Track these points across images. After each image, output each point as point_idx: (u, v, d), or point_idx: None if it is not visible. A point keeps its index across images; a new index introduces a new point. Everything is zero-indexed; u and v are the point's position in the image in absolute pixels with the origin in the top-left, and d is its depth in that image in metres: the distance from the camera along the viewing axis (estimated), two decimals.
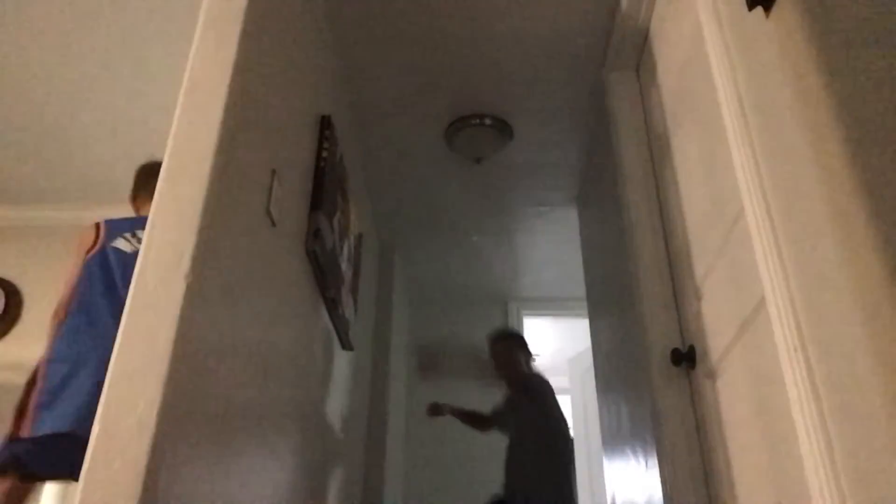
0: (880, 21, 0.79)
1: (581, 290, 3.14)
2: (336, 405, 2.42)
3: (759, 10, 1.06)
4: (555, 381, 5.68)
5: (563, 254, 3.67)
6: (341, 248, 2.28)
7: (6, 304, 3.09)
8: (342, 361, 2.50)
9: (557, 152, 2.90)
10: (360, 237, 2.70)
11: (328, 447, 2.27)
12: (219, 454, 1.22)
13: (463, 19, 2.22)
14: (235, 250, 1.33)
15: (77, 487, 0.97)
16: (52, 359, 1.59)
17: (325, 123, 2.10)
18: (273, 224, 1.56)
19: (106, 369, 1.05)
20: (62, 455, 1.46)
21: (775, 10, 1.02)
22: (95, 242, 1.75)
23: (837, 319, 0.86)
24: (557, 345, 5.46)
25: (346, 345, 2.47)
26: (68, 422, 1.47)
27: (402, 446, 3.78)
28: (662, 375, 1.74)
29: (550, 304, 4.34)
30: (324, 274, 2.00)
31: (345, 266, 2.35)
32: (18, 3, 2.21)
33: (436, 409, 3.30)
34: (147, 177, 1.81)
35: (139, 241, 1.64)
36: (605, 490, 2.97)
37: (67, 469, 1.43)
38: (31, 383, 1.58)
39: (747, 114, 1.15)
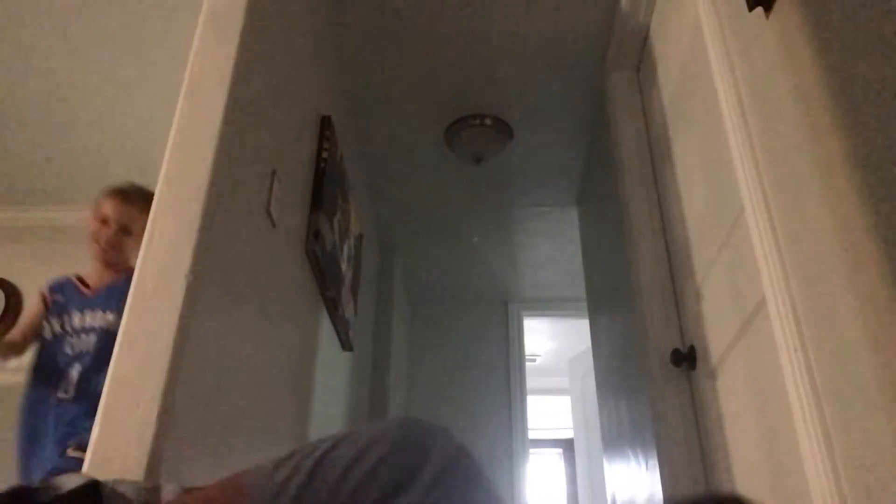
0: (880, 21, 0.79)
1: (581, 290, 3.13)
2: (336, 405, 2.42)
3: (759, 10, 1.06)
4: (555, 382, 5.71)
5: (563, 254, 3.67)
6: (341, 248, 2.28)
7: (6, 304, 3.08)
8: (342, 361, 2.50)
9: (557, 152, 2.90)
10: (360, 237, 2.70)
11: None
12: (219, 455, 1.22)
13: (463, 20, 2.22)
14: (235, 250, 1.33)
15: None
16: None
17: (325, 123, 2.10)
18: (273, 224, 1.56)
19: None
20: None
21: (775, 10, 1.02)
22: None
23: (837, 319, 0.86)
24: (557, 345, 5.46)
25: (346, 345, 2.47)
26: None
27: None
28: (662, 376, 1.74)
29: (550, 305, 4.34)
30: (324, 274, 2.00)
31: (345, 266, 2.35)
32: (19, 3, 2.21)
33: None
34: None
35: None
36: (605, 490, 2.97)
37: None
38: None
39: (747, 114, 1.15)
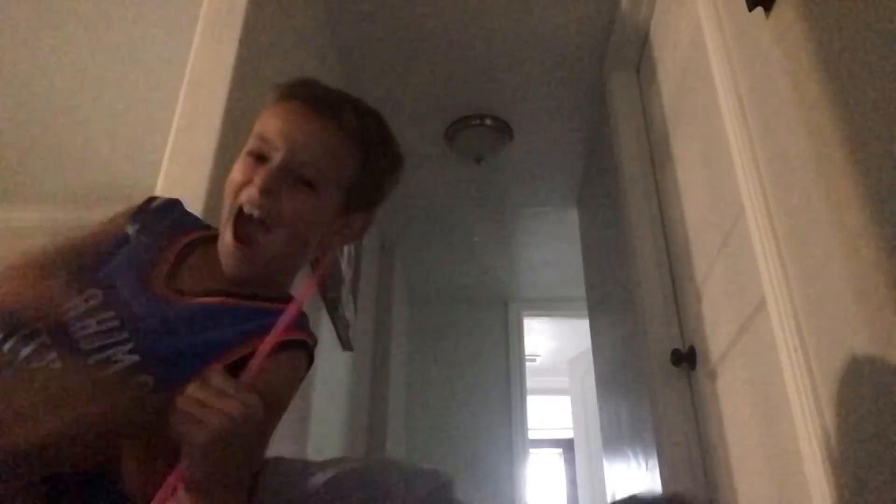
0: (880, 21, 0.79)
1: (581, 291, 3.13)
2: (336, 405, 2.42)
3: (759, 10, 1.06)
4: (555, 382, 5.71)
5: (563, 254, 3.67)
6: (341, 248, 2.28)
7: None
8: (342, 362, 2.50)
9: (557, 152, 2.90)
10: None
11: (328, 448, 2.27)
12: None
13: (463, 19, 2.22)
14: None
15: None
16: None
17: None
18: None
19: None
20: None
21: (775, 10, 1.02)
22: None
23: (837, 319, 0.86)
24: (557, 345, 5.46)
25: (346, 345, 2.47)
26: None
27: (402, 447, 3.77)
28: (662, 376, 1.74)
29: (550, 305, 4.34)
30: (324, 274, 2.00)
31: (345, 267, 2.35)
32: (18, 3, 2.21)
33: None
34: None
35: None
36: (605, 490, 2.97)
37: None
38: None
39: (747, 114, 1.15)
